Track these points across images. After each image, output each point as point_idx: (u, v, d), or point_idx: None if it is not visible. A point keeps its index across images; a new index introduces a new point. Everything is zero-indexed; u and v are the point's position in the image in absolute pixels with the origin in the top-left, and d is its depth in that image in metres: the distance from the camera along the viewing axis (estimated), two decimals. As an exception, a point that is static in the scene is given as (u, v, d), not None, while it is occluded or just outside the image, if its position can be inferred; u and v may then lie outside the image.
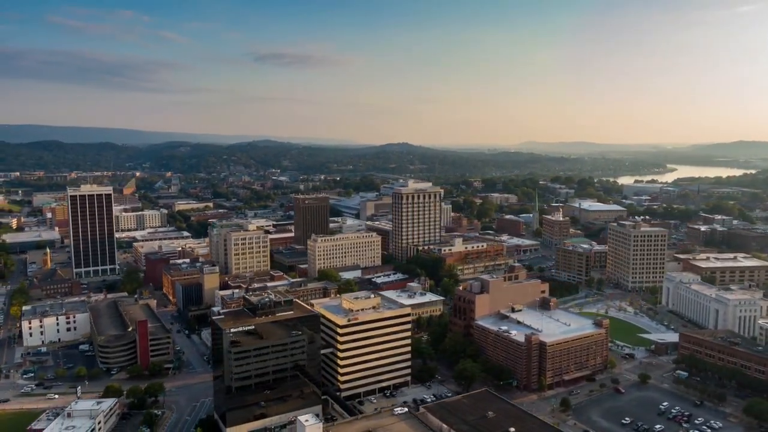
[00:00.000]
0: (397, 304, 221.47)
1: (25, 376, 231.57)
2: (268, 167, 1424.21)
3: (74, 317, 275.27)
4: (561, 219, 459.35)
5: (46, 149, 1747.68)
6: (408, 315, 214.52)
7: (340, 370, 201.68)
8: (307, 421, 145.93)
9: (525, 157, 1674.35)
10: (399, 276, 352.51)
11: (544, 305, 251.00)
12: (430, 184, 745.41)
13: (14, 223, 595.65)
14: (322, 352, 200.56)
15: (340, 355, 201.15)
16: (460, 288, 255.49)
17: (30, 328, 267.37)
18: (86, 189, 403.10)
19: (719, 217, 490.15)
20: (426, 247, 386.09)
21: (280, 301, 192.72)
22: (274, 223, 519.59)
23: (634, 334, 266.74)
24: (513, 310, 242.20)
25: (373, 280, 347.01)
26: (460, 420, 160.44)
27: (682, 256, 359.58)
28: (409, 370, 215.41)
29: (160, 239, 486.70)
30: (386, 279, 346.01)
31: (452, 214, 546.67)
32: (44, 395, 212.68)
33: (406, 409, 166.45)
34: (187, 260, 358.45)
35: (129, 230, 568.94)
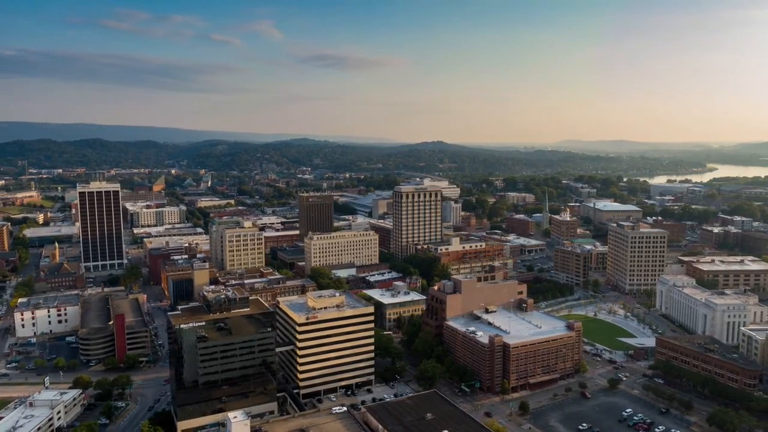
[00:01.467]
0: (362, 303, 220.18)
1: (9, 365, 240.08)
2: (300, 165, 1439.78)
3: (65, 310, 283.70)
4: (568, 219, 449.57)
5: (90, 147, 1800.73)
6: (371, 315, 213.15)
7: (299, 368, 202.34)
8: (235, 417, 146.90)
9: (560, 156, 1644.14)
10: (393, 275, 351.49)
11: (520, 306, 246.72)
12: (446, 183, 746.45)
13: (41, 218, 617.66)
14: (279, 349, 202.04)
15: (299, 352, 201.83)
16: (435, 288, 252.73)
17: (22, 319, 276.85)
18: (95, 186, 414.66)
19: (738, 218, 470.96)
20: (423, 246, 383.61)
21: (236, 298, 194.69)
22: (284, 220, 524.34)
23: (617, 338, 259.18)
24: (486, 311, 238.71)
25: (367, 278, 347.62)
26: (397, 421, 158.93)
27: (686, 259, 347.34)
28: (372, 369, 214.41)
29: (174, 235, 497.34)
30: (380, 277, 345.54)
31: (462, 213, 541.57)
32: (21, 384, 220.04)
33: (344, 409, 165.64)
34: (185, 256, 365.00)
35: (148, 226, 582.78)
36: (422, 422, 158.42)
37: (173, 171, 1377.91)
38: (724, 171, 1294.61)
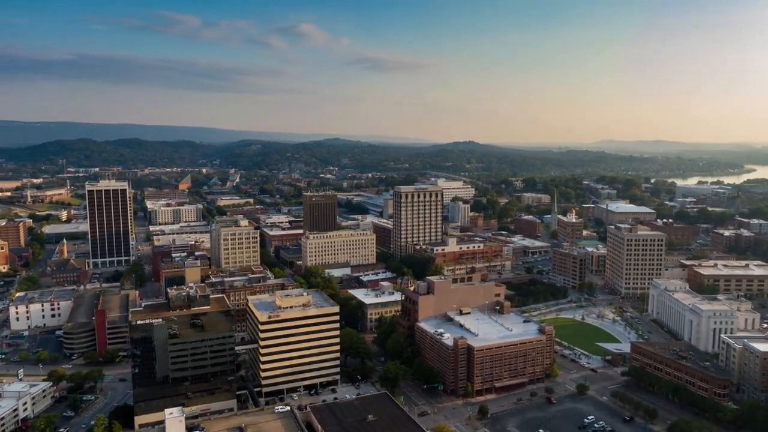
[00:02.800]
0: (330, 303, 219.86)
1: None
2: (328, 165, 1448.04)
3: (58, 305, 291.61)
4: (574, 220, 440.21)
5: (129, 146, 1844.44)
6: (335, 315, 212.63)
7: (261, 366, 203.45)
8: (171, 414, 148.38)
9: (591, 156, 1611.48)
10: (388, 275, 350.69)
11: (498, 309, 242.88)
12: (461, 183, 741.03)
13: (65, 215, 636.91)
14: (240, 348, 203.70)
15: (261, 351, 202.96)
16: (411, 289, 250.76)
17: (17, 313, 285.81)
18: (104, 184, 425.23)
19: (756, 221, 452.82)
20: (421, 247, 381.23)
21: (196, 296, 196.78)
22: (292, 219, 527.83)
23: (597, 343, 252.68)
24: (460, 313, 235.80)
25: (360, 278, 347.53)
26: (337, 422, 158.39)
27: (688, 262, 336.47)
28: (338, 369, 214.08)
29: (187, 233, 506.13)
30: (374, 277, 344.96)
31: (470, 213, 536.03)
32: (2, 376, 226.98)
33: (287, 408, 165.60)
34: (184, 254, 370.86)
35: (165, 224, 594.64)
36: (362, 424, 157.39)
37: (204, 170, 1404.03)
38: (762, 172, 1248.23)
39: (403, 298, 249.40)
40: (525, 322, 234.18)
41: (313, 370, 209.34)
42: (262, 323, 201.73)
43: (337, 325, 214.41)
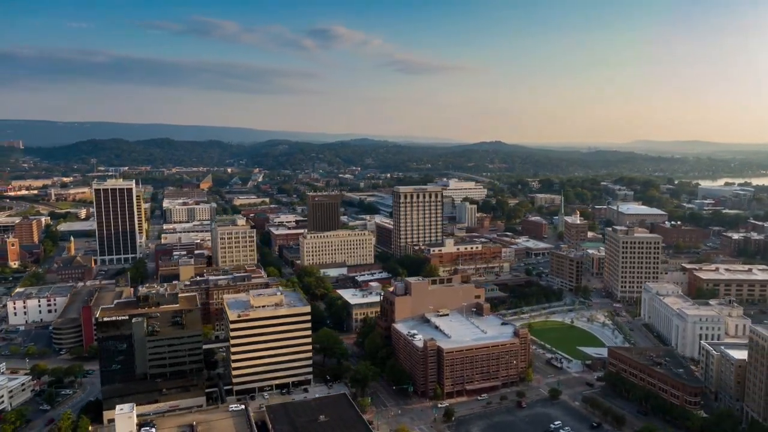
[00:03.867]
0: (303, 303, 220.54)
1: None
2: (352, 165, 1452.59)
3: (55, 300, 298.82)
4: (578, 222, 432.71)
5: (159, 146, 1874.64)
6: (307, 315, 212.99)
7: (233, 364, 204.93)
8: (121, 410, 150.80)
9: (620, 157, 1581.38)
10: (384, 275, 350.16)
11: (477, 311, 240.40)
12: (473, 184, 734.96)
13: (83, 213, 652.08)
14: (207, 346, 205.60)
15: (232, 349, 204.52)
16: (390, 289, 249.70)
17: (15, 308, 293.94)
18: (111, 183, 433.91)
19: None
20: (419, 247, 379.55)
21: (164, 294, 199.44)
22: (300, 218, 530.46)
23: (579, 347, 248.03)
24: (438, 315, 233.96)
25: (356, 278, 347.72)
26: (289, 422, 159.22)
27: (688, 266, 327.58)
28: (310, 369, 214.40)
29: (197, 231, 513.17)
30: (369, 277, 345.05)
31: (477, 214, 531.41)
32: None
33: (242, 407, 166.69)
34: (183, 252, 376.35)
35: (179, 222, 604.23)
36: (312, 424, 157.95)
37: (229, 170, 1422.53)
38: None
39: (382, 298, 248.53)
40: (503, 324, 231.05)
41: (284, 369, 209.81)
42: (232, 322, 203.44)
43: (309, 325, 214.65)
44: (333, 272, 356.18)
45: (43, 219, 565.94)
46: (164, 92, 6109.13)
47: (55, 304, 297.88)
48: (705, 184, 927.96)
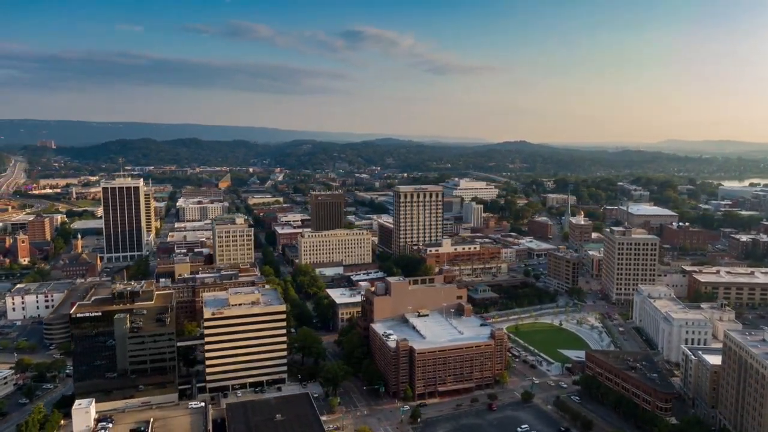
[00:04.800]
0: (279, 301, 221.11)
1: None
2: (372, 164, 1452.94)
3: (52, 296, 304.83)
4: (582, 222, 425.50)
5: (186, 146, 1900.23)
6: (282, 314, 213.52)
7: (206, 361, 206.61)
8: (79, 404, 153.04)
9: (646, 157, 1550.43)
10: (380, 275, 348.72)
11: (454, 311, 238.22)
12: (484, 183, 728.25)
13: (99, 211, 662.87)
14: (181, 343, 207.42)
15: (206, 346, 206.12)
16: (371, 289, 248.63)
17: (13, 303, 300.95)
18: (118, 182, 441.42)
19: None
20: (416, 247, 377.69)
21: (138, 291, 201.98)
22: (305, 218, 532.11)
23: (559, 349, 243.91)
24: (418, 315, 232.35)
25: (351, 277, 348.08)
26: (245, 420, 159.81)
27: (689, 268, 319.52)
28: (284, 368, 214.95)
29: (204, 230, 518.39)
30: (365, 277, 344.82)
31: (483, 214, 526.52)
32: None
33: (201, 404, 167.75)
34: (184, 250, 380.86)
35: (192, 221, 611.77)
36: (267, 423, 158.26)
37: (251, 169, 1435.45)
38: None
39: (362, 298, 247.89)
40: (482, 326, 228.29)
41: (258, 367, 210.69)
42: (206, 319, 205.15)
43: (284, 324, 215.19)
44: (329, 271, 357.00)
45: (59, 217, 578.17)
46: (196, 93, 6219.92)
47: (52, 300, 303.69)
48: (729, 184, 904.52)
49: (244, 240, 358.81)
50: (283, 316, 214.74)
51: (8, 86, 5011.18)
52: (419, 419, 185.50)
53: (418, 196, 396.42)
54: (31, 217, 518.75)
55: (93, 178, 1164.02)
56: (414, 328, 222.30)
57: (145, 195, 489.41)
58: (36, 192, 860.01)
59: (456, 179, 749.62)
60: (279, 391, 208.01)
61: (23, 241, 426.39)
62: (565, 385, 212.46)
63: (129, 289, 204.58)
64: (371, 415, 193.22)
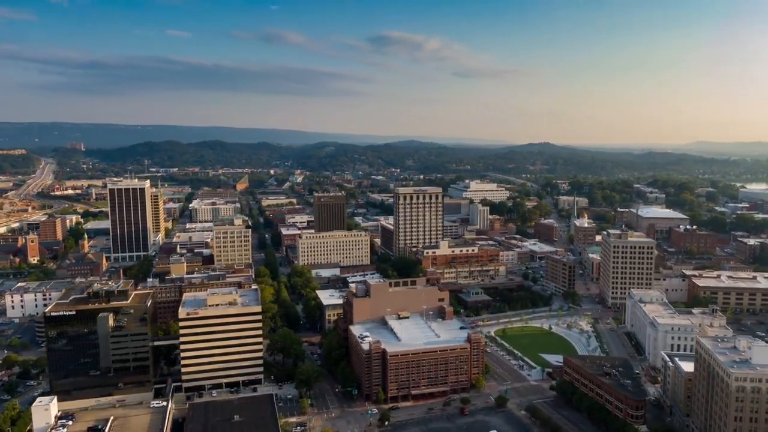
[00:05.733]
0: (256, 302, 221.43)
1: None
2: (393, 166, 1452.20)
3: (50, 295, 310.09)
4: (586, 225, 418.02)
5: (210, 148, 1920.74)
6: (257, 314, 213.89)
7: (182, 361, 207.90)
8: (40, 401, 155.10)
9: (671, 158, 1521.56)
10: (376, 276, 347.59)
11: (440, 314, 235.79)
12: (495, 185, 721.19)
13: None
14: (157, 342, 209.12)
15: (181, 346, 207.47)
16: (352, 291, 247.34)
17: (12, 301, 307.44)
18: (125, 183, 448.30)
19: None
20: (414, 249, 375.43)
21: (114, 291, 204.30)
22: (311, 219, 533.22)
23: (541, 354, 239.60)
24: (398, 317, 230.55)
25: (347, 279, 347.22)
26: (204, 420, 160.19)
27: (689, 272, 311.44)
28: (261, 368, 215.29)
29: (210, 231, 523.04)
30: (361, 278, 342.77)
31: (489, 216, 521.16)
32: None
33: (164, 404, 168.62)
34: (184, 251, 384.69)
35: (203, 221, 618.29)
36: (224, 423, 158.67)
37: (272, 171, 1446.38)
38: None
39: (344, 300, 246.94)
40: (461, 328, 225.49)
41: (234, 368, 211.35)
42: (181, 319, 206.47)
43: (260, 324, 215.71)
44: (326, 273, 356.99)
45: (73, 217, 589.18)
46: (226, 96, 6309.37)
47: (50, 299, 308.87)
48: (754, 187, 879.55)
49: (242, 241, 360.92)
50: (259, 317, 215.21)
51: (50, 90, 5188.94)
52: (387, 422, 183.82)
53: (418, 198, 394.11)
54: (43, 218, 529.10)
55: (116, 180, 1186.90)
56: (392, 330, 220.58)
57: (154, 196, 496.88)
58: (58, 193, 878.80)
59: (467, 181, 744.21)
60: (254, 391, 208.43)
61: (32, 241, 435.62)
62: (543, 391, 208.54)
63: (105, 288, 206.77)
64: (342, 417, 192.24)
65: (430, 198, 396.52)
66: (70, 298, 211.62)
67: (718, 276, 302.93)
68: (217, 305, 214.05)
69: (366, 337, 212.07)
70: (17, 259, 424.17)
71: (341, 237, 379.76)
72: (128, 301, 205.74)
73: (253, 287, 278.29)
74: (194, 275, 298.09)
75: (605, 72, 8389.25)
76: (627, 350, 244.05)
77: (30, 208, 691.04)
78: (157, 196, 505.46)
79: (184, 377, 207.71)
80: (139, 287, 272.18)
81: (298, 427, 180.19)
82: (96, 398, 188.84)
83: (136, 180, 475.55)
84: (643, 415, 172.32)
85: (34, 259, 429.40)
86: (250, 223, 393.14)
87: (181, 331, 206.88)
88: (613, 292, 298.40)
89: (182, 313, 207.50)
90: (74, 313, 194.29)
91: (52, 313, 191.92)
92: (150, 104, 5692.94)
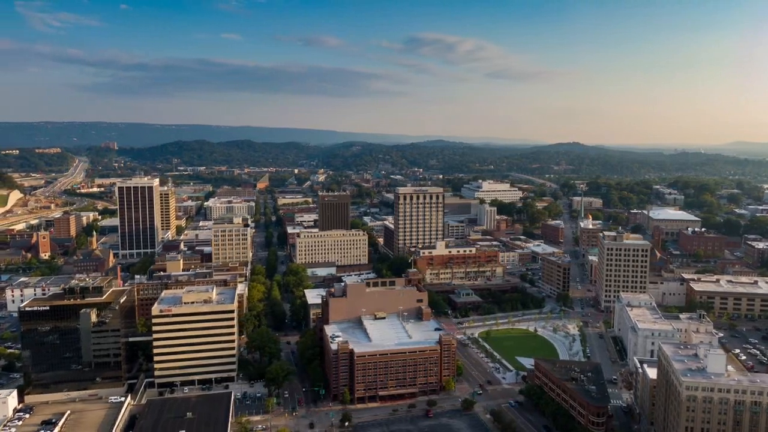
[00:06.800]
0: (231, 301, 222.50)
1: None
2: (416, 166, 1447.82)
3: (49, 290, 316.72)
4: (590, 227, 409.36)
5: (239, 147, 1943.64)
6: (231, 312, 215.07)
7: (155, 358, 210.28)
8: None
9: (702, 159, 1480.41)
10: (372, 275, 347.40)
11: (418, 315, 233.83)
12: (509, 186, 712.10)
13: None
14: (132, 339, 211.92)
15: (154, 343, 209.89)
16: (331, 291, 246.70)
17: (12, 296, 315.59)
18: (134, 181, 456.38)
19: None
20: (413, 249, 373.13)
21: (89, 287, 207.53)
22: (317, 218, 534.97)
23: (517, 357, 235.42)
24: (375, 317, 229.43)
25: (343, 277, 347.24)
26: (157, 416, 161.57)
27: (687, 276, 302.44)
28: (234, 366, 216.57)
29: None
30: (356, 278, 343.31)
31: (496, 217, 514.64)
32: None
33: (122, 398, 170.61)
34: (186, 248, 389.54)
35: (217, 219, 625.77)
36: (176, 420, 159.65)
37: (296, 170, 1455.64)
38: None
39: (322, 299, 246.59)
40: (436, 330, 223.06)
41: (206, 365, 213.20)
42: (154, 317, 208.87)
43: (233, 323, 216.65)
44: (322, 272, 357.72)
45: (91, 214, 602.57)
46: (261, 97, 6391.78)
47: (49, 294, 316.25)
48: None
49: (239, 239, 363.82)
50: (232, 315, 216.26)
51: (96, 92, 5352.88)
52: (347, 423, 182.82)
53: (419, 198, 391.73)
54: (57, 214, 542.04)
55: (145, 178, 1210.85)
56: (365, 330, 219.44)
57: (165, 194, 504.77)
58: (84, 191, 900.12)
59: (479, 181, 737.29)
60: (226, 388, 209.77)
61: (44, 237, 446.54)
62: (515, 394, 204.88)
63: (80, 285, 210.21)
64: (306, 416, 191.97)
65: (431, 198, 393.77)
66: (49, 294, 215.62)
67: (717, 280, 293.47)
68: (192, 303, 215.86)
69: (337, 337, 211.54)
70: (29, 255, 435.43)
71: (339, 236, 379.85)
72: (103, 298, 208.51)
73: (240, 285, 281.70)
74: (181, 273, 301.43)
75: (641, 71, 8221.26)
76: (610, 355, 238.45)
77: (52, 206, 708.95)
78: (168, 194, 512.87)
79: (156, 373, 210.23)
80: (127, 283, 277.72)
81: (259, 426, 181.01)
82: (67, 392, 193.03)
83: (146, 179, 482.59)
84: (604, 423, 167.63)
85: (45, 255, 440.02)
86: (249, 221, 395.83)
87: (154, 328, 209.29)
88: (606, 295, 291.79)
89: (155, 310, 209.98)
90: (48, 308, 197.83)
91: (27, 309, 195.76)
92: (187, 105, 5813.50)
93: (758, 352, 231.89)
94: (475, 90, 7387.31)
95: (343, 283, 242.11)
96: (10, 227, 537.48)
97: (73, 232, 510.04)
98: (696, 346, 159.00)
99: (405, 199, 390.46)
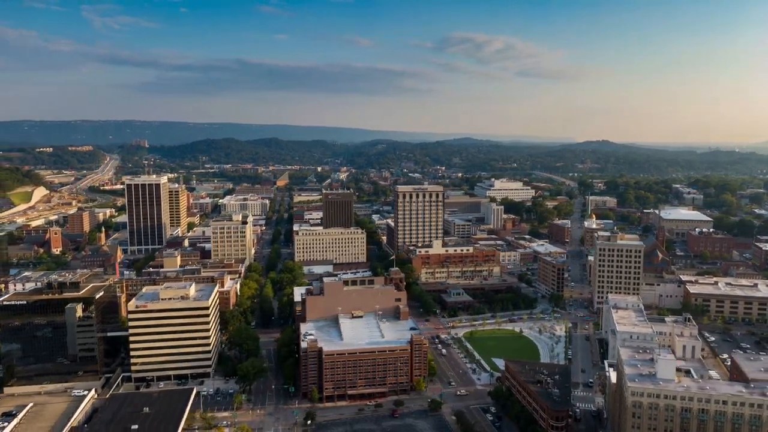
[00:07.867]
0: (208, 299, 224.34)
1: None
2: (439, 164, 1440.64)
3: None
4: (594, 226, 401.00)
5: (266, 145, 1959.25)
6: (206, 309, 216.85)
7: (131, 353, 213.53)
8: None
9: (735, 157, 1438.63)
10: (368, 274, 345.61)
11: (395, 314, 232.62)
12: (521, 184, 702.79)
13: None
14: (111, 334, 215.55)
15: (130, 338, 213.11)
16: (311, 289, 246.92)
17: (15, 289, 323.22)
18: (142, 179, 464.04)
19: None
20: (412, 247, 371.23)
21: (66, 282, 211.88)
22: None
23: (494, 358, 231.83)
24: (352, 316, 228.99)
25: (340, 275, 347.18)
26: (115, 411, 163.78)
27: (685, 278, 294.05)
28: (209, 362, 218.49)
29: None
30: (352, 276, 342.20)
31: (504, 216, 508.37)
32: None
33: (85, 392, 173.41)
34: (188, 245, 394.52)
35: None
36: (132, 415, 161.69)
37: (319, 168, 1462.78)
38: None
39: (301, 297, 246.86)
40: (412, 329, 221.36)
41: (182, 361, 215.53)
42: (130, 312, 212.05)
43: (208, 319, 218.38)
44: (319, 269, 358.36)
45: (108, 211, 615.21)
46: (293, 96, 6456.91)
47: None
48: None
49: (238, 236, 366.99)
50: (207, 312, 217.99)
51: (138, 91, 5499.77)
52: (309, 422, 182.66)
53: (418, 197, 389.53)
54: (71, 211, 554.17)
55: (171, 176, 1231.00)
56: (339, 329, 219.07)
57: (175, 191, 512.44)
58: (108, 188, 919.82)
59: (492, 180, 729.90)
60: (201, 384, 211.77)
61: (56, 233, 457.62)
62: (486, 395, 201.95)
63: (58, 280, 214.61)
64: (273, 414, 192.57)
65: (431, 196, 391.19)
66: (30, 289, 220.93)
67: (715, 282, 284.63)
68: (169, 299, 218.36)
69: (309, 335, 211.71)
70: (41, 250, 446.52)
71: (337, 234, 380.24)
72: (81, 293, 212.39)
73: (229, 282, 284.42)
74: (170, 269, 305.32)
75: (674, 68, 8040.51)
76: (593, 357, 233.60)
77: (74, 202, 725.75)
78: (178, 191, 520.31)
79: (133, 368, 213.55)
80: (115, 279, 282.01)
81: (223, 422, 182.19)
82: (42, 385, 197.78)
83: (154, 176, 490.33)
84: (564, 427, 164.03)
85: (57, 250, 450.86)
86: (251, 218, 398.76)
87: (130, 323, 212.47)
88: (598, 297, 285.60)
89: (131, 305, 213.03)
90: (25, 303, 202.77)
91: (5, 303, 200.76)
92: (221, 103, 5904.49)
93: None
94: (504, 88, 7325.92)
95: (320, 282, 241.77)
96: (28, 223, 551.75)
97: (86, 228, 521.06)
98: (653, 350, 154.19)
99: (404, 197, 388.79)
